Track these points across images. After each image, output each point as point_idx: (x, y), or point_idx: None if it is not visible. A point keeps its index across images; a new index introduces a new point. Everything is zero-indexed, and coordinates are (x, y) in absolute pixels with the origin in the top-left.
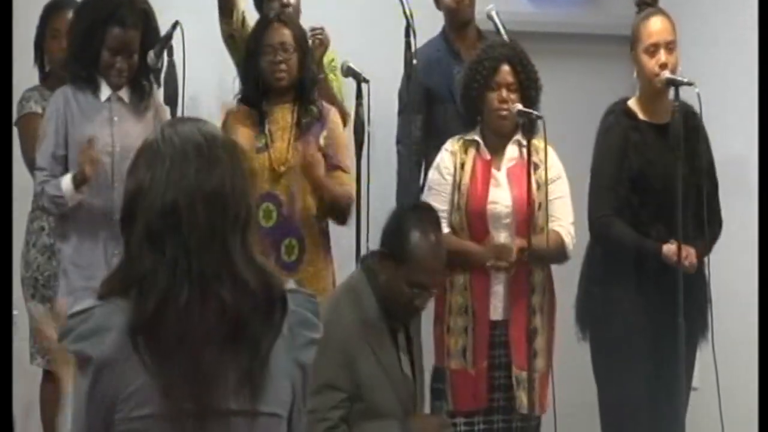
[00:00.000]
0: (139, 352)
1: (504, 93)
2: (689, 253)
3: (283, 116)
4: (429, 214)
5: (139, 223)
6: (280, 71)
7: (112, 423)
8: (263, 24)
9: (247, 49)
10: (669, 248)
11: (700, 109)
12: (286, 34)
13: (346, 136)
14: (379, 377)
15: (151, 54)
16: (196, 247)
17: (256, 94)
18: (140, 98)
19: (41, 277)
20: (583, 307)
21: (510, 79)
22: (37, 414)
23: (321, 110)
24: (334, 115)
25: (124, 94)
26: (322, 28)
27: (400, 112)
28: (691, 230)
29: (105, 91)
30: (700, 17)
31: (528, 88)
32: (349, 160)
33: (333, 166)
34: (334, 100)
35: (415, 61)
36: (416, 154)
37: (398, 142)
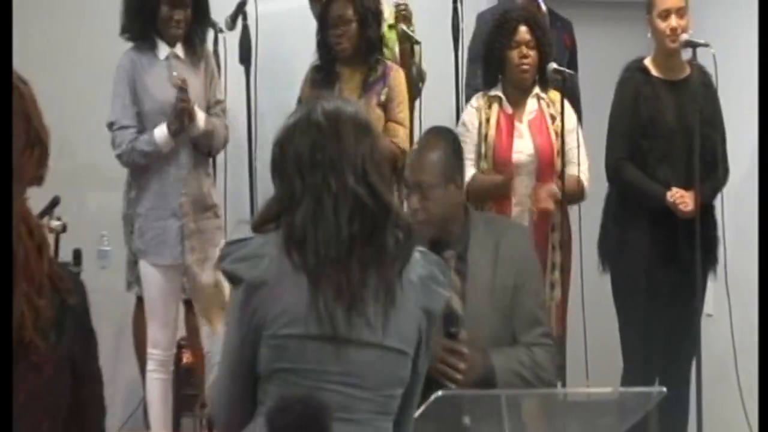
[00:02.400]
0: (295, 267)
1: (524, 50)
2: (686, 200)
3: (351, 77)
4: (439, 134)
5: (289, 162)
6: (340, 42)
7: (260, 339)
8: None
9: (318, 22)
10: (672, 194)
11: (715, 67)
12: (346, 8)
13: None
14: None
15: (227, 18)
16: (339, 170)
17: (327, 59)
18: (193, 53)
19: None
20: (602, 243)
21: (528, 37)
22: (127, 337)
23: (384, 69)
24: (395, 72)
25: (179, 51)
26: (406, 4)
27: (468, 62)
28: (697, 175)
29: (163, 51)
30: None
31: (543, 45)
32: (403, 114)
33: (390, 120)
34: (405, 63)
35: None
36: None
37: (467, 85)
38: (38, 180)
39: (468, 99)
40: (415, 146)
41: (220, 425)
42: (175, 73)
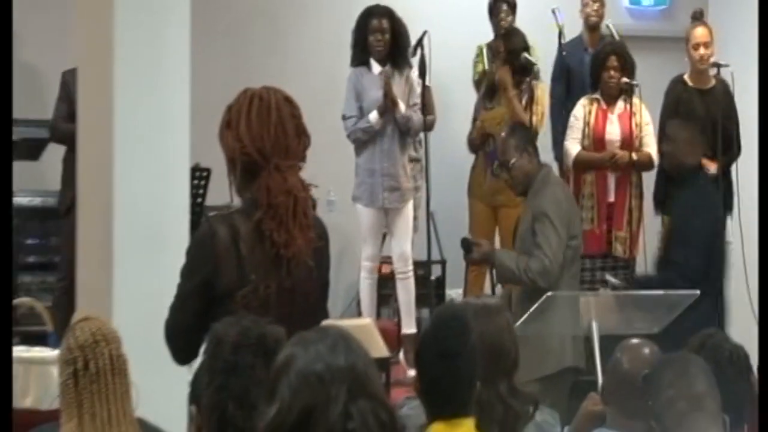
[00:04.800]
0: None
1: (612, 72)
2: (711, 166)
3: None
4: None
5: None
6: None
7: None
8: (367, 14)
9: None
10: (702, 162)
11: (733, 80)
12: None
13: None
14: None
15: (410, 49)
16: None
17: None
18: (397, 69)
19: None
20: (656, 195)
21: (615, 63)
22: (347, 255)
23: (409, 68)
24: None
25: (387, 68)
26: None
27: (552, 80)
28: (719, 151)
29: (376, 68)
30: (732, 24)
31: (626, 67)
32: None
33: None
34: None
35: (564, 53)
36: (558, 104)
37: (551, 96)
38: (304, 159)
39: (551, 102)
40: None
41: None
42: (382, 78)
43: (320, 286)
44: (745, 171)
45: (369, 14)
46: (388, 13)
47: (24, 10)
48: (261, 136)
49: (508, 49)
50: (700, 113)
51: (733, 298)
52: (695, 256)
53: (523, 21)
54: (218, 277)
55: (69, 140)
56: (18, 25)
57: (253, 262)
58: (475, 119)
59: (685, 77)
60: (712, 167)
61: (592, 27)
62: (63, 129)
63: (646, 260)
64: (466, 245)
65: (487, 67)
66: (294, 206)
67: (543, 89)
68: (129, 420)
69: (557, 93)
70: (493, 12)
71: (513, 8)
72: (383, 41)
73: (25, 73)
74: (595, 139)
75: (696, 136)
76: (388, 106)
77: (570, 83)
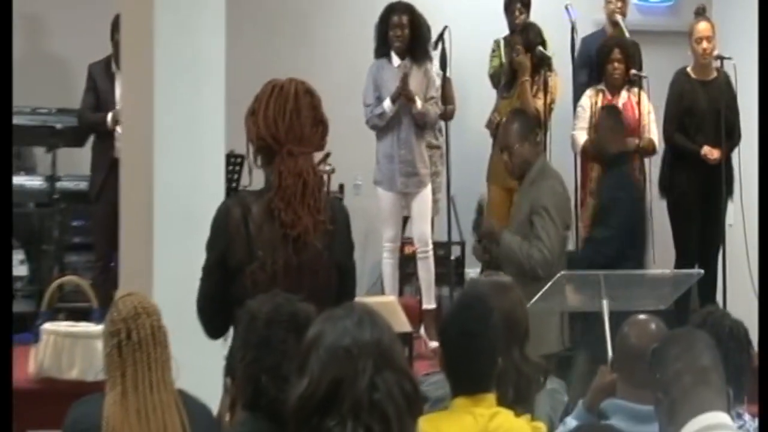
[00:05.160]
0: None
1: (616, 64)
2: (714, 153)
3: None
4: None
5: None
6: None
7: None
8: (389, 10)
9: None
10: (705, 149)
11: (735, 72)
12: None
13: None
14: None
15: (431, 43)
16: None
17: (384, 50)
18: (417, 63)
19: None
20: (660, 180)
21: (619, 56)
22: (371, 237)
23: (428, 61)
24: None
25: (407, 62)
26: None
27: (576, 69)
28: (723, 138)
29: (395, 60)
30: (734, 19)
31: (630, 60)
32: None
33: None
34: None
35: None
36: (581, 91)
37: (574, 80)
38: (321, 147)
39: (574, 89)
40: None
41: None
42: (400, 70)
43: (332, 267)
44: (745, 158)
45: (391, 10)
46: (408, 9)
47: (54, 4)
48: (276, 123)
49: (525, 43)
50: (702, 103)
51: (735, 278)
52: (614, 237)
53: (537, 15)
54: (230, 252)
55: (95, 129)
56: (49, 20)
57: (261, 240)
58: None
59: (689, 69)
60: (714, 154)
61: (615, 22)
62: (89, 118)
63: (654, 241)
64: (476, 223)
65: (503, 60)
66: (303, 189)
67: (557, 81)
68: (170, 389)
69: (580, 81)
70: (509, 9)
71: (527, 6)
72: (402, 36)
73: (64, 66)
74: None
75: (619, 125)
76: (399, 96)
77: (591, 72)
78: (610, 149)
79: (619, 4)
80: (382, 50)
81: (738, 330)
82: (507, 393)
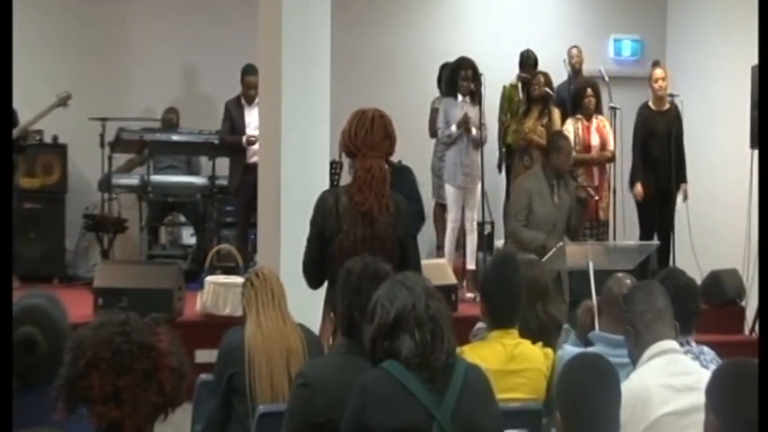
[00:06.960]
0: None
1: (590, 99)
2: (639, 192)
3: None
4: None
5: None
6: (463, 88)
7: None
8: (459, 64)
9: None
10: (636, 189)
11: (682, 106)
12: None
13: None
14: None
15: (471, 86)
16: None
17: (452, 92)
18: (473, 102)
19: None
20: (630, 179)
21: (591, 93)
22: (430, 219)
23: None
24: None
25: (468, 99)
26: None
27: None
28: (674, 153)
29: (459, 99)
30: (682, 67)
31: (598, 96)
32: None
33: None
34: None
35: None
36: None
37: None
38: (390, 154)
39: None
40: None
41: None
42: (465, 107)
43: (396, 240)
44: (689, 161)
45: (460, 65)
46: (472, 65)
47: (206, 53)
48: (357, 135)
49: (542, 85)
50: (660, 127)
51: (681, 248)
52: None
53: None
54: (325, 227)
55: (233, 147)
56: (203, 66)
57: (345, 218)
58: (506, 127)
59: (649, 103)
60: (640, 192)
61: (578, 70)
62: (227, 140)
63: (614, 222)
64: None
65: (521, 95)
66: (371, 179)
67: (557, 113)
68: (291, 322)
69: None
70: (524, 67)
71: (536, 64)
72: (468, 85)
73: (212, 101)
74: (584, 145)
75: (569, 149)
76: (463, 125)
77: (564, 109)
78: (563, 168)
79: (576, 59)
80: (451, 91)
81: (689, 283)
82: (531, 337)
